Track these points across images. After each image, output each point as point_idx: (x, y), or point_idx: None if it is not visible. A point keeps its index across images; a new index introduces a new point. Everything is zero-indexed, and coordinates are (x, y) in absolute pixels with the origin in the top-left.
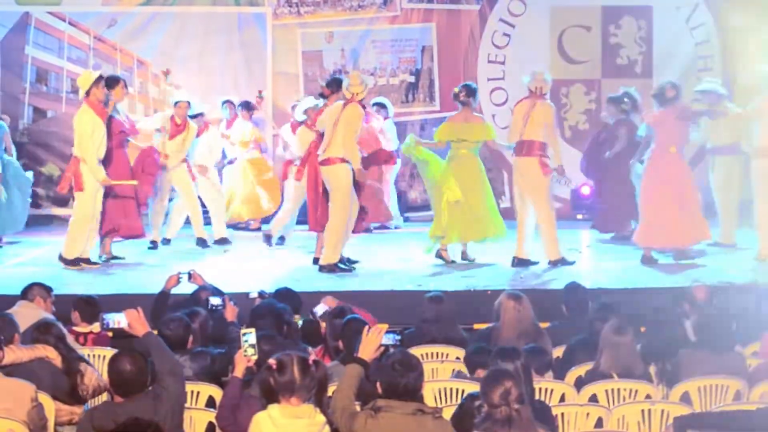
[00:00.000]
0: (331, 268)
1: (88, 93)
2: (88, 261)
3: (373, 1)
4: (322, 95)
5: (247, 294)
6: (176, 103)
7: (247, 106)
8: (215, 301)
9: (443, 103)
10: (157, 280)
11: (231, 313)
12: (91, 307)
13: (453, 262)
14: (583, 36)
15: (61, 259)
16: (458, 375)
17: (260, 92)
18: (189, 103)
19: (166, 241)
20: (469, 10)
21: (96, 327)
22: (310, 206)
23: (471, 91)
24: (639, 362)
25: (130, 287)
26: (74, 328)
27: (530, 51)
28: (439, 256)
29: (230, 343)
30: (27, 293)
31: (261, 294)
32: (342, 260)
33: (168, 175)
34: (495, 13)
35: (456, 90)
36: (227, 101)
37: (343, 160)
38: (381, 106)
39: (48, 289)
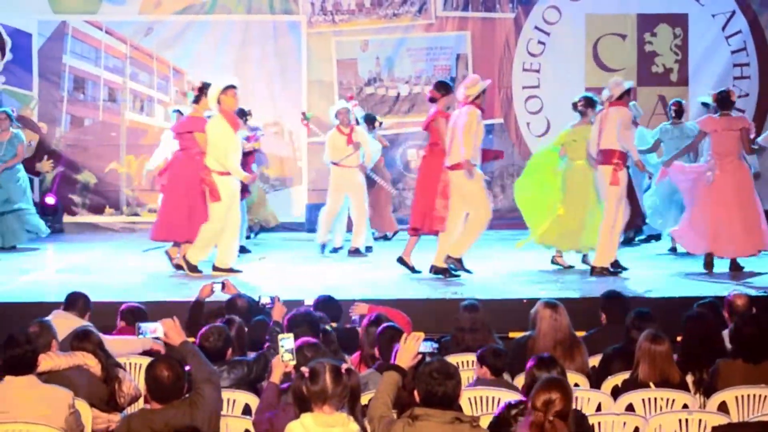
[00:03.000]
0: (443, 271)
1: (219, 102)
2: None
3: (408, 9)
4: (431, 99)
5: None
6: None
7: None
8: (265, 299)
9: None
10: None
11: (278, 313)
12: (138, 317)
13: (571, 267)
14: (619, 44)
15: (185, 261)
16: (477, 382)
17: (304, 114)
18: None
19: None
20: (504, 18)
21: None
22: (422, 208)
23: (589, 102)
24: (676, 371)
25: (164, 295)
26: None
27: (565, 59)
28: (554, 262)
29: (270, 344)
30: (71, 303)
31: (272, 300)
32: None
33: None
34: (530, 21)
35: (575, 99)
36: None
37: (459, 166)
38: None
39: (89, 303)
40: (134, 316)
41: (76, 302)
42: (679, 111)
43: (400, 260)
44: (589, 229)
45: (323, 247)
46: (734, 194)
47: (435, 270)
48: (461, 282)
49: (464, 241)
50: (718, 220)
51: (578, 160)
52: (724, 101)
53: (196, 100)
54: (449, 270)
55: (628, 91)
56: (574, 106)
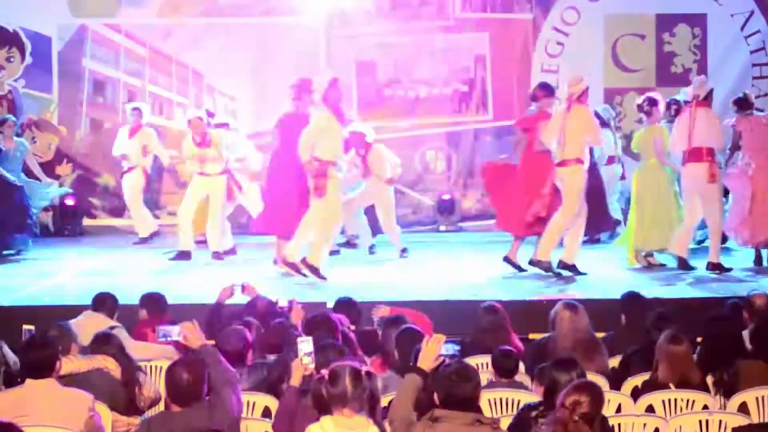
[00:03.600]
0: (545, 266)
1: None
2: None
3: (427, 11)
4: (533, 98)
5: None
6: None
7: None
8: (283, 303)
9: (496, 113)
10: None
11: (296, 316)
12: (158, 303)
13: (662, 265)
14: (637, 44)
15: (305, 263)
16: (489, 384)
17: None
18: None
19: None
20: (523, 19)
21: None
22: (520, 207)
23: (653, 102)
24: (696, 372)
25: (182, 298)
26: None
27: (584, 60)
28: (647, 264)
29: (289, 346)
30: (100, 303)
31: (290, 303)
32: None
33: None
34: (548, 22)
35: (639, 101)
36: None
37: (579, 161)
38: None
39: (117, 303)
40: (154, 302)
41: (104, 302)
42: (678, 110)
43: (507, 259)
44: (669, 227)
45: (371, 248)
46: None
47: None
48: (478, 284)
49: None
50: (759, 213)
51: (651, 159)
52: (743, 103)
53: (298, 97)
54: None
55: (711, 91)
56: (639, 107)
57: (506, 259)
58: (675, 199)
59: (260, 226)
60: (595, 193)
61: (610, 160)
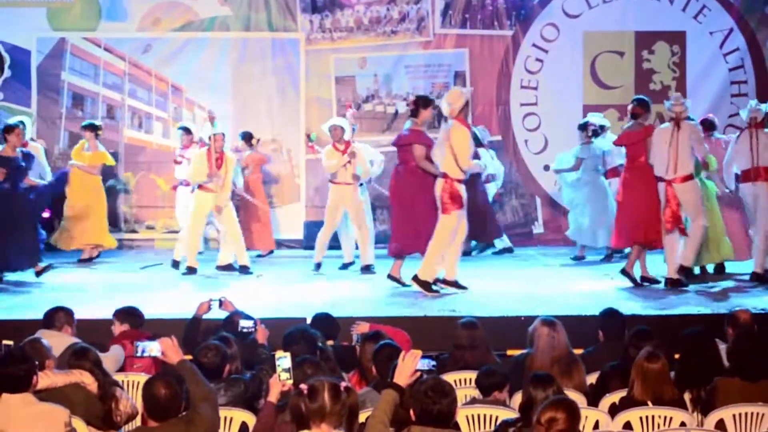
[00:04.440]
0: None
1: (459, 112)
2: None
3: (407, 26)
4: (634, 115)
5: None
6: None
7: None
8: (246, 323)
9: None
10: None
11: (262, 336)
12: (136, 317)
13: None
14: (616, 61)
15: (416, 280)
16: (473, 401)
17: (308, 136)
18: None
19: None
20: (502, 35)
21: None
22: (640, 221)
23: (711, 125)
24: (670, 389)
25: (161, 313)
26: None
27: (563, 76)
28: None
29: (260, 365)
30: (49, 321)
31: (254, 324)
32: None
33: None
34: (528, 38)
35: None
36: (183, 128)
37: (692, 177)
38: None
39: (71, 316)
40: (132, 316)
41: (53, 318)
42: (596, 131)
43: (624, 272)
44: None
45: (318, 266)
46: None
47: (672, 282)
48: (456, 299)
49: (692, 250)
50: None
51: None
52: (708, 124)
53: (414, 114)
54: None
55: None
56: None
57: (623, 272)
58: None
59: (404, 247)
60: (478, 207)
61: (488, 178)
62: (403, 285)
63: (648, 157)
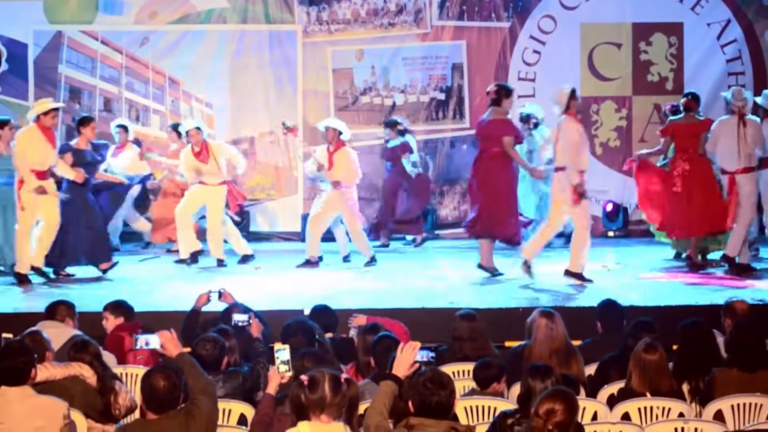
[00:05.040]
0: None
1: (567, 107)
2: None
3: (404, 18)
4: (687, 108)
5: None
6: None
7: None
8: (241, 317)
9: (473, 121)
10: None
11: (256, 330)
12: (129, 310)
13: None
14: (614, 53)
15: (569, 274)
16: (471, 392)
17: (283, 124)
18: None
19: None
20: (500, 27)
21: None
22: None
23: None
24: (667, 381)
25: (159, 305)
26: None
27: (561, 68)
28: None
29: (255, 359)
30: (51, 313)
31: (248, 318)
32: None
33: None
34: (525, 30)
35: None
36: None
37: (753, 169)
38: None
39: (72, 308)
40: (125, 309)
41: (55, 310)
42: (537, 123)
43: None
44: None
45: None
46: None
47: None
48: (454, 291)
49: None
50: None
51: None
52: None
53: (497, 103)
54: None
55: None
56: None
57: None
58: None
59: (492, 231)
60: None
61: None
62: (496, 274)
63: (700, 149)
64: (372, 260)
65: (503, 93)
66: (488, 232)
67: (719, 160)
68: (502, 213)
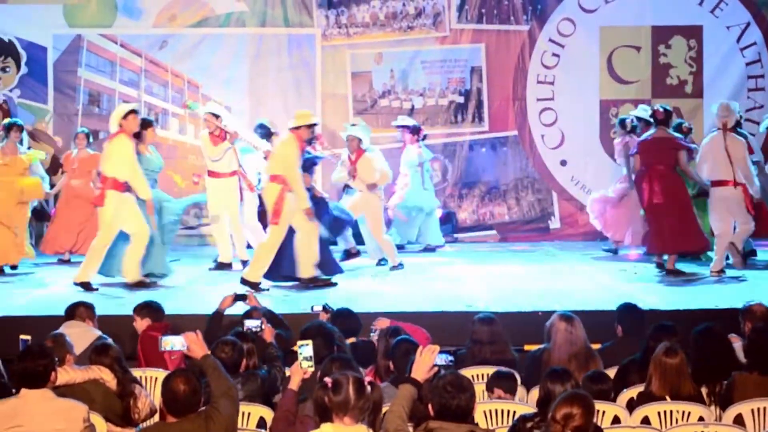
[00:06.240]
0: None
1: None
2: None
3: (423, 22)
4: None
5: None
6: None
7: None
8: (252, 323)
9: (492, 124)
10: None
11: (269, 335)
12: (159, 311)
13: None
14: (633, 56)
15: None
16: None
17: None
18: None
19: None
20: (519, 30)
21: None
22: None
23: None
24: (688, 385)
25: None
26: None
27: (580, 71)
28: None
29: (270, 363)
30: (70, 314)
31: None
32: None
33: None
34: (544, 33)
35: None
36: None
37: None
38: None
39: (91, 309)
40: (155, 310)
41: (74, 311)
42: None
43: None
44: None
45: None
46: None
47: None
48: (472, 295)
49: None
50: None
51: None
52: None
53: (665, 123)
54: None
55: None
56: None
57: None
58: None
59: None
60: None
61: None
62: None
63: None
64: (398, 265)
65: (670, 115)
66: (674, 249)
67: (709, 172)
68: (682, 226)
